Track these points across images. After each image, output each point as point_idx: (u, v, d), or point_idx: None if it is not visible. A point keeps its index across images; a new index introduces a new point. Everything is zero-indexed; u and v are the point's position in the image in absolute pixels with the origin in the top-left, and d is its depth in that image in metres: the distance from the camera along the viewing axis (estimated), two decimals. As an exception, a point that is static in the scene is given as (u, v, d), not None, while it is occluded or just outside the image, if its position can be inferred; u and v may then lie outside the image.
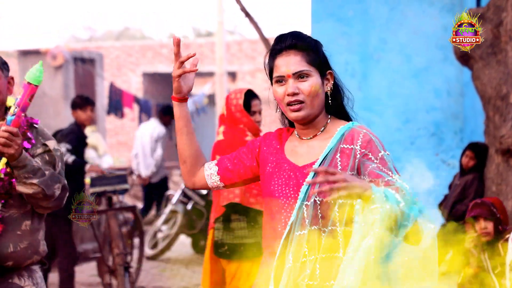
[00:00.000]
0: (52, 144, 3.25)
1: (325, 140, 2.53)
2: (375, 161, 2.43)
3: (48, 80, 14.18)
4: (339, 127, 2.54)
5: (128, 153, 21.61)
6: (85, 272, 8.38)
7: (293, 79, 2.50)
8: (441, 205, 7.06)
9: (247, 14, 8.60)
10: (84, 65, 15.57)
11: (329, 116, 2.59)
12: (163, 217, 9.59)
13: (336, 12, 8.14)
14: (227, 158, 2.72)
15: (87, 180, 7.11)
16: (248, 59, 22.20)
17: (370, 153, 2.44)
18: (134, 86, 21.78)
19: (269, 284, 2.47)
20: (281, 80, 2.52)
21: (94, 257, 7.39)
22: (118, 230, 6.53)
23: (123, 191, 6.95)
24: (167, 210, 9.57)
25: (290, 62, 2.50)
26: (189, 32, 41.43)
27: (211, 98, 19.60)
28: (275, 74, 2.54)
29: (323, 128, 2.56)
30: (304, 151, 2.56)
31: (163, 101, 18.47)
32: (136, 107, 16.21)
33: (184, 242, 10.27)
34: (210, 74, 20.79)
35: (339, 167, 2.45)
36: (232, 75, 22.08)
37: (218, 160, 2.73)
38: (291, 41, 2.51)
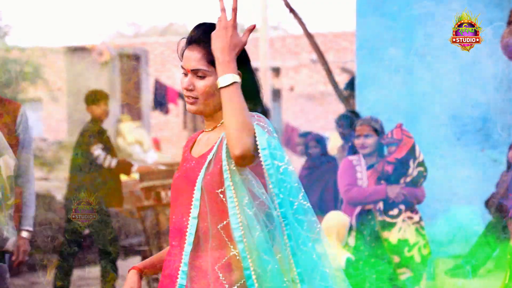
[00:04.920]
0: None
1: (222, 131, 2.50)
2: None
3: (94, 76, 14.34)
4: None
5: (173, 149, 21.74)
6: (130, 266, 8.42)
7: (191, 75, 2.52)
8: (487, 202, 6.97)
9: (291, 10, 8.59)
10: (129, 61, 15.72)
11: None
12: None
13: (380, 6, 8.06)
14: None
15: (135, 176, 7.12)
16: (291, 54, 22.17)
17: None
18: (179, 81, 21.90)
19: None
20: (184, 71, 2.55)
21: (140, 251, 7.46)
22: (167, 225, 6.57)
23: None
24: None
25: (191, 58, 2.51)
26: (233, 27, 41.49)
27: (255, 93, 19.61)
28: (181, 64, 2.56)
29: (222, 120, 2.51)
30: (204, 142, 2.58)
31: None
32: (180, 103, 16.33)
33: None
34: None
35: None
36: (276, 71, 22.06)
37: None
38: (198, 36, 2.53)
